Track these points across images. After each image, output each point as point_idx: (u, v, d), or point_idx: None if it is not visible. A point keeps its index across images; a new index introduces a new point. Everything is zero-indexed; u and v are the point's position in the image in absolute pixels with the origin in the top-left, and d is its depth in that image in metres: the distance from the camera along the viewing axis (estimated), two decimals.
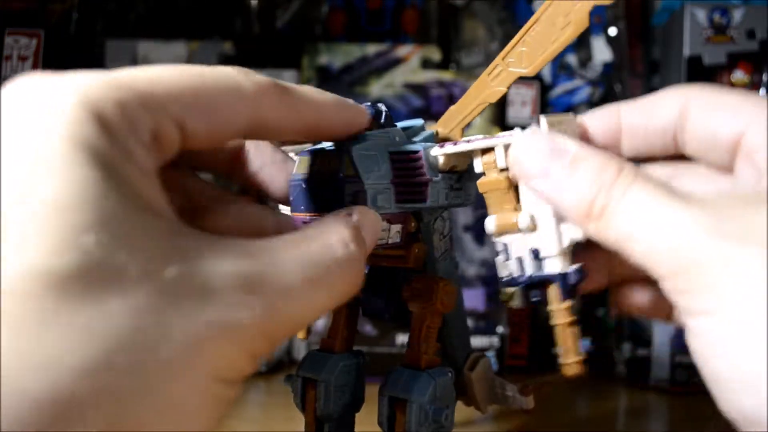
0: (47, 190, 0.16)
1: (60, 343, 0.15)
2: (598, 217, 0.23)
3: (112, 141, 0.18)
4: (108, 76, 0.19)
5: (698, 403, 0.57)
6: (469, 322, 0.52)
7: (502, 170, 0.27)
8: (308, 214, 0.27)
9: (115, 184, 0.17)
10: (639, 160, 0.27)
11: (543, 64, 0.28)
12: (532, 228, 0.26)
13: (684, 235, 0.21)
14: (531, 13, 0.73)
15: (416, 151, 0.28)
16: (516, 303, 0.27)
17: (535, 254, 0.26)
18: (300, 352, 0.64)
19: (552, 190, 0.24)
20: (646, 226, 0.21)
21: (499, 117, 0.68)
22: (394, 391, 0.29)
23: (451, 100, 0.68)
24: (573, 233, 0.25)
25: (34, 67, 0.59)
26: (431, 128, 0.31)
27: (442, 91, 0.68)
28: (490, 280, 0.64)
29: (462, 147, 0.28)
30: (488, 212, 0.28)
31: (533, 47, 0.28)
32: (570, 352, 0.26)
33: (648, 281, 0.25)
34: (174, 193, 0.21)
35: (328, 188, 0.27)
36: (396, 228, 0.28)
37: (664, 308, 0.26)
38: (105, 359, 0.15)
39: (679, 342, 0.60)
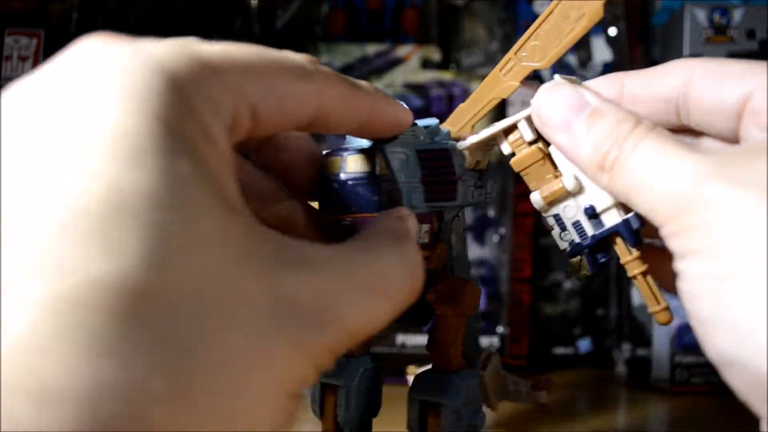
0: (132, 182, 0.14)
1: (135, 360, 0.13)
2: (611, 168, 0.23)
3: (195, 122, 0.16)
4: (182, 45, 0.17)
5: (698, 403, 0.57)
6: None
7: (531, 143, 0.27)
8: (348, 216, 0.26)
9: (204, 179, 0.15)
10: None
11: (556, 57, 0.28)
12: (580, 187, 0.26)
13: (684, 179, 0.21)
14: (531, 13, 0.73)
15: (446, 149, 0.28)
16: (585, 271, 0.27)
17: (591, 212, 0.26)
18: None
19: (571, 143, 0.25)
20: (652, 173, 0.22)
21: (499, 117, 0.68)
22: (426, 395, 0.28)
23: (451, 100, 0.68)
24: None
25: (34, 66, 0.59)
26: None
27: (442, 91, 0.68)
28: (490, 280, 0.64)
29: (485, 133, 0.28)
30: (530, 189, 0.27)
31: (546, 41, 0.28)
32: (654, 301, 0.26)
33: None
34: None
35: (364, 188, 0.26)
36: (425, 228, 0.28)
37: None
38: (186, 382, 0.14)
39: (679, 342, 0.60)
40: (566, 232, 0.27)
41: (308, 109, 0.21)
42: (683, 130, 0.27)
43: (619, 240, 0.26)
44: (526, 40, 0.28)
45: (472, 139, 0.28)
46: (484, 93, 0.30)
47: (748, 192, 0.20)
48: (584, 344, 0.68)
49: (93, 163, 0.14)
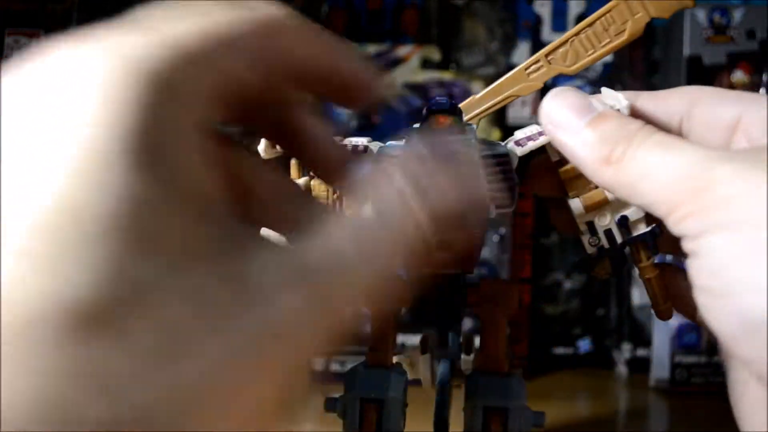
0: (88, 203, 0.14)
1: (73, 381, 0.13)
2: (618, 161, 0.24)
3: (169, 124, 0.15)
4: (147, 33, 0.17)
5: (698, 403, 0.57)
6: (470, 322, 0.52)
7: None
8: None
9: (165, 190, 0.15)
10: None
11: (586, 65, 0.29)
12: (617, 199, 0.28)
13: (694, 163, 0.22)
14: (531, 13, 0.73)
15: (507, 154, 0.28)
16: (607, 273, 0.29)
17: (624, 222, 0.28)
18: None
19: (575, 141, 0.26)
20: (661, 162, 0.23)
21: (499, 117, 0.68)
22: (489, 400, 0.28)
23: (451, 100, 0.68)
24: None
25: None
26: None
27: (442, 91, 0.68)
28: None
29: (543, 140, 0.28)
30: (569, 195, 0.29)
31: (580, 48, 0.29)
32: (661, 300, 0.28)
33: None
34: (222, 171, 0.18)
35: None
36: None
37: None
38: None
39: (679, 342, 0.60)
40: (595, 237, 0.28)
41: (288, 61, 0.20)
42: None
43: (640, 247, 0.28)
44: (560, 44, 0.29)
45: (530, 146, 0.29)
46: (503, 88, 0.30)
47: (757, 168, 0.21)
48: (584, 344, 0.68)
49: (55, 181, 0.14)
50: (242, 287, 0.15)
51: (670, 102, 0.28)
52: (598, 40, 0.28)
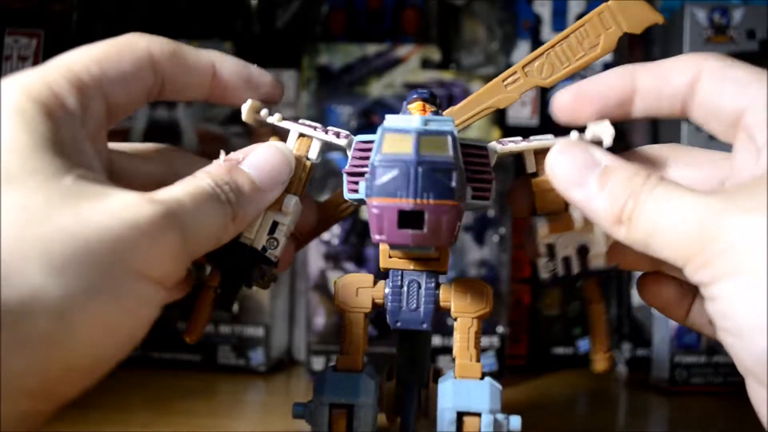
0: None
1: None
2: (629, 220, 0.25)
3: (48, 116, 0.23)
4: (45, 67, 0.25)
5: (698, 403, 0.57)
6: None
7: None
8: (421, 201, 0.24)
9: (42, 142, 0.22)
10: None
11: (561, 78, 0.30)
12: (582, 226, 0.28)
13: (700, 217, 0.23)
14: (531, 12, 0.73)
15: (485, 147, 0.28)
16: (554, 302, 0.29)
17: (584, 252, 0.28)
18: (300, 352, 0.64)
19: (585, 199, 0.26)
20: (668, 218, 0.24)
21: (499, 117, 0.68)
22: (462, 404, 0.27)
23: (451, 100, 0.68)
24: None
25: (34, 66, 0.59)
26: None
27: (442, 91, 0.68)
28: (490, 280, 0.64)
29: (523, 146, 0.28)
30: (537, 211, 0.29)
31: (555, 60, 0.29)
32: (602, 346, 0.28)
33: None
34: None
35: (442, 174, 0.24)
36: (459, 226, 0.26)
37: (683, 304, 0.29)
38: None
39: (679, 342, 0.60)
40: (552, 262, 0.28)
41: (147, 84, 0.28)
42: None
43: (593, 282, 0.28)
44: (536, 57, 0.29)
45: (510, 147, 0.29)
46: (481, 99, 0.30)
47: (758, 216, 0.22)
48: (584, 344, 0.68)
49: None
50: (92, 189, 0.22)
51: (673, 79, 0.27)
52: (573, 53, 0.29)
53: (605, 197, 0.25)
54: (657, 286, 0.30)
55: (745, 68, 0.27)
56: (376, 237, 0.25)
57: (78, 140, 0.24)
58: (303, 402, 0.29)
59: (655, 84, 0.28)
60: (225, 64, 0.31)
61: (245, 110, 0.29)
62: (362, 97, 0.69)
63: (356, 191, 0.27)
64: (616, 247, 0.28)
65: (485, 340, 0.61)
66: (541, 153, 0.29)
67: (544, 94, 0.71)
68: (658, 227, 0.24)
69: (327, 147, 0.30)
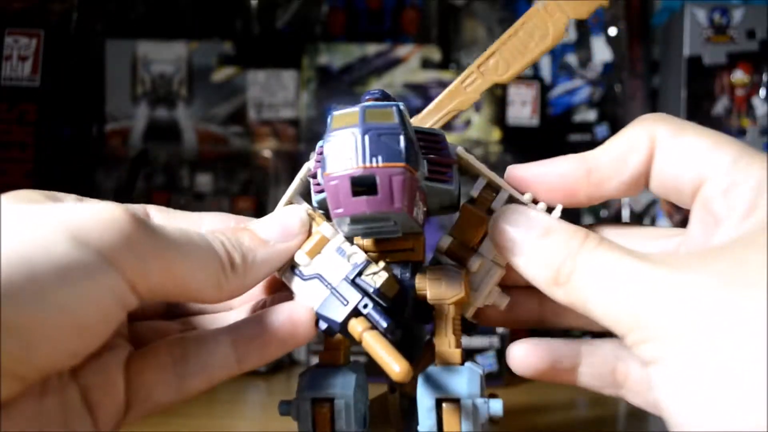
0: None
1: None
2: (566, 282, 0.24)
3: (39, 194, 0.25)
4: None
5: None
6: None
7: (489, 213, 0.28)
8: (370, 167, 0.24)
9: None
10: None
11: (518, 73, 0.29)
12: (475, 272, 0.29)
13: (636, 291, 0.22)
14: None
15: (439, 133, 0.28)
16: None
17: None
18: (300, 352, 0.64)
19: (525, 263, 0.26)
20: (606, 286, 0.23)
21: (499, 117, 0.68)
22: (440, 390, 0.27)
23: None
24: (494, 299, 0.29)
25: (34, 67, 0.59)
26: None
27: (442, 90, 0.68)
28: None
29: (482, 168, 0.29)
30: (450, 229, 0.29)
31: (510, 56, 0.29)
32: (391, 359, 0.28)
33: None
34: None
35: (389, 138, 0.24)
36: (423, 208, 0.27)
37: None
38: None
39: None
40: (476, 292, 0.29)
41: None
42: None
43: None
44: (489, 56, 0.29)
45: (471, 159, 0.29)
46: (443, 104, 0.31)
47: (699, 298, 0.21)
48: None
49: None
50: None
51: (629, 161, 0.26)
52: (525, 46, 0.29)
53: (543, 259, 0.25)
54: (529, 357, 0.29)
55: (697, 131, 0.25)
56: (335, 211, 0.25)
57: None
58: (288, 399, 0.29)
59: (610, 170, 0.27)
60: (210, 216, 0.30)
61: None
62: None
63: (320, 192, 0.28)
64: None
65: (485, 341, 0.61)
66: (489, 187, 0.29)
67: (544, 95, 0.71)
68: (594, 292, 0.23)
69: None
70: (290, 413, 0.29)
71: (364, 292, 0.27)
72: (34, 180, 0.57)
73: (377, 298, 0.27)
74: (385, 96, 0.28)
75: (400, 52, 0.70)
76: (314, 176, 0.28)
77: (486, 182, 0.29)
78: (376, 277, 0.27)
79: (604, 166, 0.27)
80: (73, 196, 0.27)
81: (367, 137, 0.24)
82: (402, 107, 0.25)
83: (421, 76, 0.69)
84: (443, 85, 0.68)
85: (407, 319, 0.29)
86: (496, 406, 0.27)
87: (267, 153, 0.68)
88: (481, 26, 0.74)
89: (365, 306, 0.26)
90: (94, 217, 0.22)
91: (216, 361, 0.27)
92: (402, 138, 0.24)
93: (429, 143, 0.27)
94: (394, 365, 0.24)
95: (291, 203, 0.30)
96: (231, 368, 0.27)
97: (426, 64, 0.70)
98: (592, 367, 0.29)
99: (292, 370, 0.63)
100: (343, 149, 0.24)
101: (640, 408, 0.29)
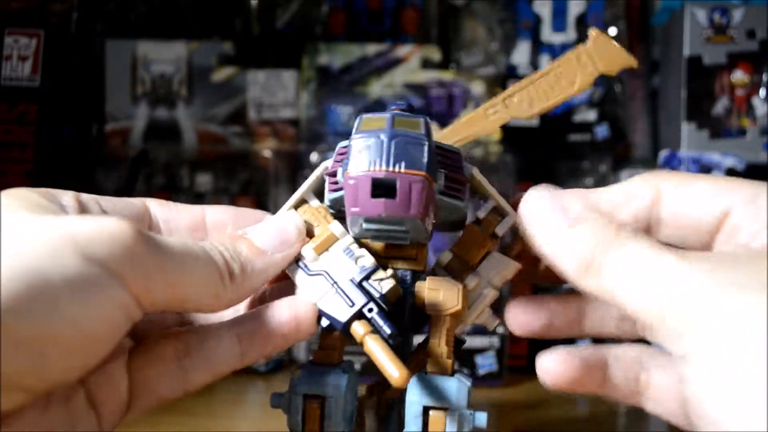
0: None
1: None
2: (597, 272, 0.24)
3: (42, 196, 0.25)
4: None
5: None
6: None
7: (493, 236, 0.29)
8: (391, 172, 0.25)
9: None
10: None
11: (538, 113, 0.31)
12: (471, 290, 0.29)
13: (669, 283, 0.22)
14: (531, 12, 0.73)
15: (459, 151, 0.28)
16: None
17: None
18: (300, 352, 0.64)
19: (552, 247, 0.26)
20: (638, 277, 0.23)
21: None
22: (428, 399, 0.28)
23: (451, 99, 0.68)
24: (484, 319, 0.30)
25: (34, 67, 0.59)
26: None
27: (442, 91, 0.68)
28: None
29: (491, 190, 0.29)
30: (452, 246, 0.30)
31: (534, 96, 0.31)
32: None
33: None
34: None
35: (414, 147, 0.25)
36: (433, 220, 0.27)
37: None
38: None
39: None
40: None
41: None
42: None
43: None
44: (517, 90, 0.31)
45: (484, 182, 0.29)
46: (465, 128, 0.32)
47: (736, 296, 0.21)
48: (584, 344, 0.68)
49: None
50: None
51: (633, 205, 0.26)
52: (551, 89, 0.31)
53: (575, 246, 0.25)
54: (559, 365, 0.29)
55: (706, 179, 0.26)
56: (351, 209, 0.25)
57: (69, 212, 0.26)
58: (280, 392, 0.30)
59: (613, 211, 0.27)
60: (213, 209, 0.31)
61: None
62: (362, 97, 0.69)
63: (336, 191, 0.28)
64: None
65: (485, 341, 0.61)
66: (496, 211, 0.30)
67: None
68: (625, 282, 0.23)
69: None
70: (281, 406, 0.30)
71: (370, 296, 0.27)
72: (34, 180, 0.57)
73: (381, 303, 0.27)
74: (410, 107, 0.28)
75: (400, 52, 0.70)
76: (332, 174, 0.28)
77: (493, 206, 0.30)
78: (384, 283, 0.27)
79: (604, 205, 0.27)
80: (71, 193, 0.26)
81: (393, 143, 0.25)
82: (428, 121, 0.26)
83: (421, 76, 0.69)
84: (443, 85, 0.68)
85: (404, 324, 0.29)
86: (481, 419, 0.28)
87: (267, 153, 0.68)
88: (481, 26, 0.74)
89: (370, 310, 0.27)
90: (100, 232, 0.22)
91: (220, 355, 0.27)
92: (426, 149, 0.25)
93: (448, 159, 0.28)
94: (394, 371, 0.25)
95: (304, 200, 0.30)
96: (235, 362, 0.27)
97: (426, 64, 0.70)
98: (620, 371, 0.29)
99: (291, 369, 0.63)
100: (369, 151, 0.25)
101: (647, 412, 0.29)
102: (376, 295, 0.27)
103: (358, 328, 0.26)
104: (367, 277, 0.27)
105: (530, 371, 0.67)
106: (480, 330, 0.61)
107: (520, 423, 0.51)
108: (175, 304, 0.25)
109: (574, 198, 0.26)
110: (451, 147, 0.29)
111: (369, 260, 0.28)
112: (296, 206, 0.30)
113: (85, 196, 0.27)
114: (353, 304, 0.27)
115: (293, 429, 0.29)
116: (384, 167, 0.25)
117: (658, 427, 0.54)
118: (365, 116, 0.26)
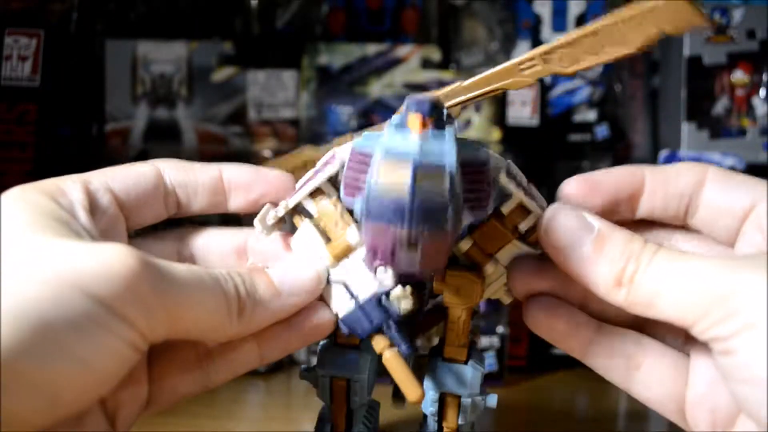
0: None
1: None
2: (629, 282, 0.25)
3: (49, 198, 0.25)
4: (60, 178, 0.27)
5: None
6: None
7: (515, 230, 0.29)
8: (416, 232, 0.24)
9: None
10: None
11: (584, 68, 0.28)
12: (489, 275, 0.29)
13: (708, 277, 0.23)
14: (531, 12, 0.73)
15: (486, 162, 0.28)
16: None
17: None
18: (300, 352, 0.64)
19: (580, 263, 0.26)
20: (673, 280, 0.24)
21: (500, 117, 0.68)
22: (444, 386, 0.30)
23: (432, 101, 0.68)
24: (500, 295, 0.30)
25: (34, 67, 0.59)
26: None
27: (442, 90, 0.68)
28: None
29: (517, 192, 0.28)
30: (473, 233, 0.29)
31: (581, 50, 0.28)
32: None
33: None
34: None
35: (433, 211, 0.24)
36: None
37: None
38: None
39: None
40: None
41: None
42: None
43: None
44: (560, 45, 0.28)
45: (512, 187, 0.28)
46: (492, 80, 0.29)
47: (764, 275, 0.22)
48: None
49: None
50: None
51: (680, 180, 0.28)
52: (601, 47, 0.27)
53: (603, 261, 0.25)
54: (551, 318, 0.29)
55: (746, 176, 0.28)
56: (370, 258, 0.26)
57: (78, 217, 0.25)
58: (309, 366, 0.32)
59: (662, 185, 0.28)
60: (230, 167, 0.32)
61: (258, 217, 0.30)
62: (362, 97, 0.69)
63: (351, 195, 0.28)
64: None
65: (485, 341, 0.61)
66: (519, 208, 0.29)
67: (544, 95, 0.71)
68: (663, 289, 0.24)
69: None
70: (309, 379, 0.32)
71: (388, 313, 0.28)
72: (34, 180, 0.57)
73: (399, 319, 0.28)
74: (432, 107, 0.26)
75: (400, 52, 0.70)
76: (348, 185, 0.28)
77: (519, 203, 0.29)
78: (404, 301, 0.28)
79: (656, 180, 0.28)
80: (80, 184, 0.27)
81: (415, 205, 0.24)
82: (453, 170, 0.24)
83: (421, 76, 0.69)
84: (443, 85, 0.68)
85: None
86: (492, 400, 0.31)
87: (267, 153, 0.68)
88: (481, 26, 0.74)
89: (388, 327, 0.28)
90: (102, 268, 0.22)
91: (241, 357, 0.28)
92: (450, 210, 0.24)
93: (473, 177, 0.27)
94: (411, 389, 0.27)
95: (320, 189, 0.29)
96: (255, 364, 0.29)
97: (426, 64, 0.70)
98: (607, 341, 0.30)
99: (291, 370, 0.63)
100: (390, 210, 0.24)
101: (640, 406, 0.29)
102: (394, 313, 0.28)
103: (378, 342, 0.28)
104: (387, 294, 0.28)
105: (530, 371, 0.67)
106: (480, 330, 0.61)
107: (520, 423, 0.51)
108: (180, 335, 0.25)
109: (592, 215, 0.27)
110: (477, 159, 0.28)
111: (389, 277, 0.27)
112: (312, 195, 0.29)
113: (95, 184, 0.27)
114: (372, 322, 0.28)
115: (322, 399, 0.32)
116: (407, 227, 0.24)
117: (658, 427, 0.54)
118: (385, 161, 0.24)
